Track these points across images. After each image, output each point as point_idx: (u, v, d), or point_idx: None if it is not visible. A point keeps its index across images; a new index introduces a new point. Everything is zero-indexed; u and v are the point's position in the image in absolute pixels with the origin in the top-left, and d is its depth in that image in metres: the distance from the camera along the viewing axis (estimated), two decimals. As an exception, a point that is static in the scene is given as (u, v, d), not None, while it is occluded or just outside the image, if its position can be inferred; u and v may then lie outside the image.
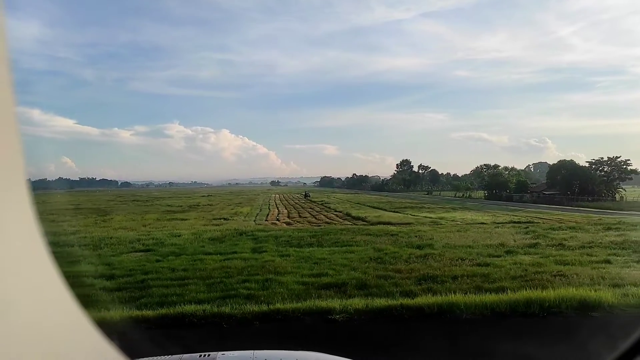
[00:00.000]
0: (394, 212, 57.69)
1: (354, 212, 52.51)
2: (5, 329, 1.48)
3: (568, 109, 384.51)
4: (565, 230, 32.01)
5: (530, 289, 14.18)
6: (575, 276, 16.27)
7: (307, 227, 37.16)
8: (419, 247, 24.16)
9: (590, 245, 24.61)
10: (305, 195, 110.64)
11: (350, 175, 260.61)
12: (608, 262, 19.70)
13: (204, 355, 3.72)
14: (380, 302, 13.00)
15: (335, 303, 12.73)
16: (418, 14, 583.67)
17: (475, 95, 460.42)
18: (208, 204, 77.20)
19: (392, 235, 29.69)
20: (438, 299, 13.12)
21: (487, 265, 18.78)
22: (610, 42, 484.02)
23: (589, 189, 75.49)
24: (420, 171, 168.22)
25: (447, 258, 20.42)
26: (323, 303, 12.79)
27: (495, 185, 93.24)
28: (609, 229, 32.75)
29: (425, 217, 47.60)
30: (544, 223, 39.23)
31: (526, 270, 17.56)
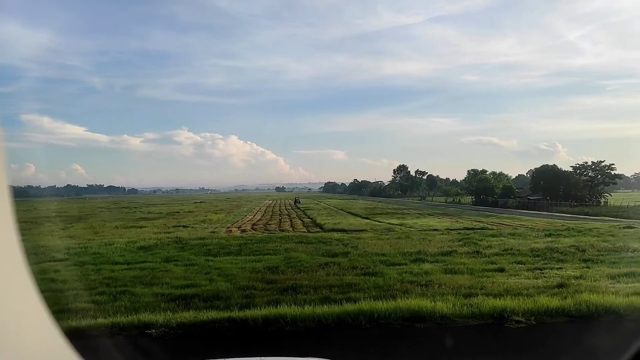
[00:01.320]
0: (364, 218, 57.82)
1: (320, 219, 52.35)
2: None
3: (578, 113, 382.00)
4: (503, 237, 31.59)
5: (381, 299, 13.93)
6: (439, 285, 16.00)
7: (254, 235, 37.05)
8: (333, 255, 23.96)
9: (508, 252, 24.22)
10: (295, 202, 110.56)
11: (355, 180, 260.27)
12: (501, 270, 19.36)
13: None
14: (211, 314, 12.82)
15: (160, 317, 12.51)
16: (426, 18, 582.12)
17: (484, 100, 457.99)
18: (189, 211, 77.40)
19: (324, 242, 29.52)
20: (272, 311, 12.88)
21: (374, 274, 18.49)
22: (620, 45, 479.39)
23: (572, 194, 74.72)
24: (417, 176, 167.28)
25: (344, 267, 20.19)
26: (148, 317, 12.59)
27: (482, 190, 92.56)
28: (551, 235, 32.30)
29: (388, 223, 47.55)
30: (497, 229, 38.95)
31: (402, 279, 17.29)
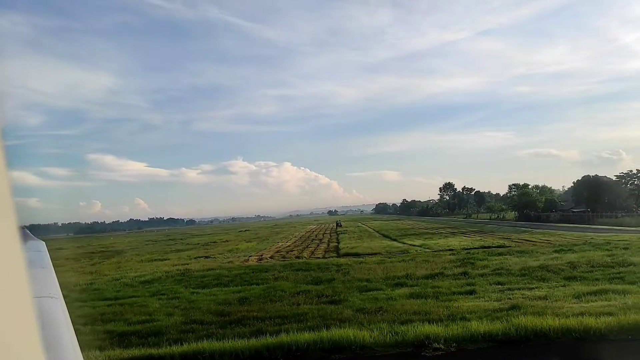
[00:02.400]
0: (393, 240, 57.25)
1: (343, 244, 52.40)
2: None
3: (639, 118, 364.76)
4: (510, 255, 30.44)
5: (317, 329, 13.77)
6: (385, 312, 15.63)
7: (262, 264, 37.21)
8: (317, 282, 23.83)
9: (497, 272, 23.32)
10: (337, 225, 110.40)
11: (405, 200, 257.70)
12: (472, 292, 18.69)
13: None
14: (132, 352, 13.03)
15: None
16: (473, 33, 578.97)
17: (539, 110, 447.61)
18: (226, 240, 78.69)
19: (322, 269, 29.29)
20: (192, 346, 12.96)
21: (338, 302, 18.26)
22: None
23: (617, 204, 71.05)
24: (464, 193, 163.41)
25: (314, 295, 20.03)
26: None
27: (524, 205, 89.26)
28: (561, 250, 30.89)
29: (410, 244, 46.76)
30: (515, 246, 37.62)
31: (359, 307, 16.96)
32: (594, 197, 72.95)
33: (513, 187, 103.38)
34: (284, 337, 13.03)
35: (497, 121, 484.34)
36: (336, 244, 56.51)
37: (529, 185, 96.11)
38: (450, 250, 37.92)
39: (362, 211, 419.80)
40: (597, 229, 55.49)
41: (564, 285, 19.00)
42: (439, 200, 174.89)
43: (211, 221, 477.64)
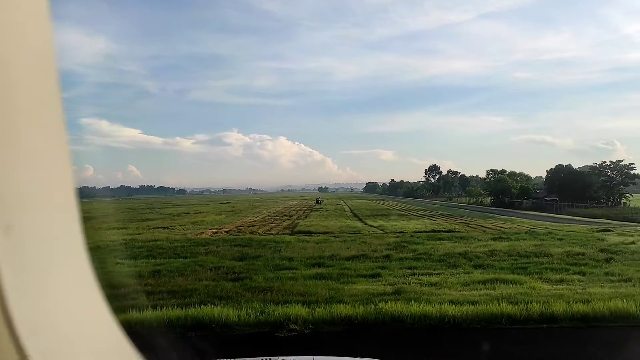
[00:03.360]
0: (359, 220, 57.55)
1: (306, 222, 52.77)
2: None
3: (637, 109, 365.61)
4: (446, 240, 30.69)
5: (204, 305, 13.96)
6: (276, 292, 15.84)
7: (211, 238, 37.32)
8: (243, 259, 24.03)
9: (419, 257, 23.53)
10: (317, 202, 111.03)
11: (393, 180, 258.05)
12: (372, 276, 18.92)
13: (266, 359, 4.01)
14: None
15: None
16: (475, 15, 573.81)
17: (537, 97, 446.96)
18: (199, 212, 78.75)
19: (262, 246, 29.30)
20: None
21: (240, 279, 18.45)
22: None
23: (587, 195, 71.49)
24: (450, 176, 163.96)
25: (228, 271, 20.26)
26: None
27: (499, 191, 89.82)
28: (499, 239, 31.16)
29: (370, 225, 47.03)
30: (464, 232, 37.90)
31: (256, 286, 17.15)
32: (565, 187, 73.37)
33: (491, 172, 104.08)
34: (148, 313, 13.18)
35: (495, 106, 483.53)
36: (300, 220, 56.77)
37: (506, 171, 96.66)
38: (399, 232, 38.15)
39: (353, 189, 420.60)
40: (559, 218, 55.92)
41: (467, 273, 19.24)
42: (425, 182, 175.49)
43: (202, 192, 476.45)
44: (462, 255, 23.52)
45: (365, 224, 49.59)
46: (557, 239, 30.32)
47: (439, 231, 38.54)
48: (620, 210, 58.91)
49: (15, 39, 1.44)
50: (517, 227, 42.92)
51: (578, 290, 15.75)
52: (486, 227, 42.95)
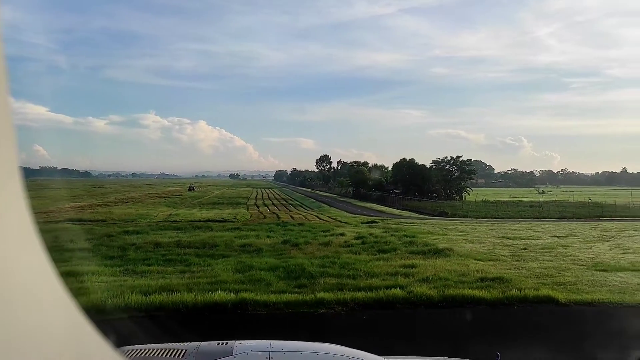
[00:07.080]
0: (187, 208, 58.14)
1: (128, 208, 52.58)
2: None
3: (543, 109, 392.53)
4: (205, 230, 32.29)
5: None
6: None
7: None
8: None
9: (180, 245, 25.06)
10: (189, 189, 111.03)
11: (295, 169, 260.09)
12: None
13: (222, 344, 3.97)
14: None
15: None
16: (398, 9, 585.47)
17: (454, 93, 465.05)
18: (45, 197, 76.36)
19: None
20: None
21: None
22: (585, 44, 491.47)
23: (426, 188, 75.96)
24: (339, 167, 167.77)
25: None
26: None
27: (358, 182, 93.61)
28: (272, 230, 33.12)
29: (180, 214, 47.68)
30: (252, 222, 39.52)
31: None
32: (407, 180, 77.55)
33: (354, 164, 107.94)
34: None
35: (413, 99, 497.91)
36: (130, 209, 56.55)
37: (368, 163, 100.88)
38: (174, 222, 39.04)
39: (264, 177, 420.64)
40: (381, 211, 58.65)
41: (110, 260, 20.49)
42: (318, 171, 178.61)
43: (109, 175, 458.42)
44: (154, 244, 24.82)
45: (180, 212, 50.16)
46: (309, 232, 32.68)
47: (221, 221, 39.71)
48: (439, 205, 62.59)
49: None
50: (316, 218, 45.10)
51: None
52: (298, 217, 44.65)
